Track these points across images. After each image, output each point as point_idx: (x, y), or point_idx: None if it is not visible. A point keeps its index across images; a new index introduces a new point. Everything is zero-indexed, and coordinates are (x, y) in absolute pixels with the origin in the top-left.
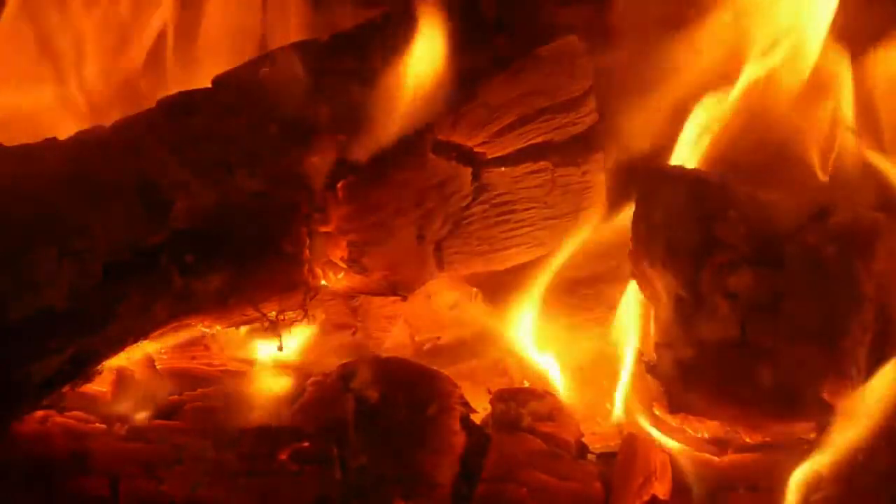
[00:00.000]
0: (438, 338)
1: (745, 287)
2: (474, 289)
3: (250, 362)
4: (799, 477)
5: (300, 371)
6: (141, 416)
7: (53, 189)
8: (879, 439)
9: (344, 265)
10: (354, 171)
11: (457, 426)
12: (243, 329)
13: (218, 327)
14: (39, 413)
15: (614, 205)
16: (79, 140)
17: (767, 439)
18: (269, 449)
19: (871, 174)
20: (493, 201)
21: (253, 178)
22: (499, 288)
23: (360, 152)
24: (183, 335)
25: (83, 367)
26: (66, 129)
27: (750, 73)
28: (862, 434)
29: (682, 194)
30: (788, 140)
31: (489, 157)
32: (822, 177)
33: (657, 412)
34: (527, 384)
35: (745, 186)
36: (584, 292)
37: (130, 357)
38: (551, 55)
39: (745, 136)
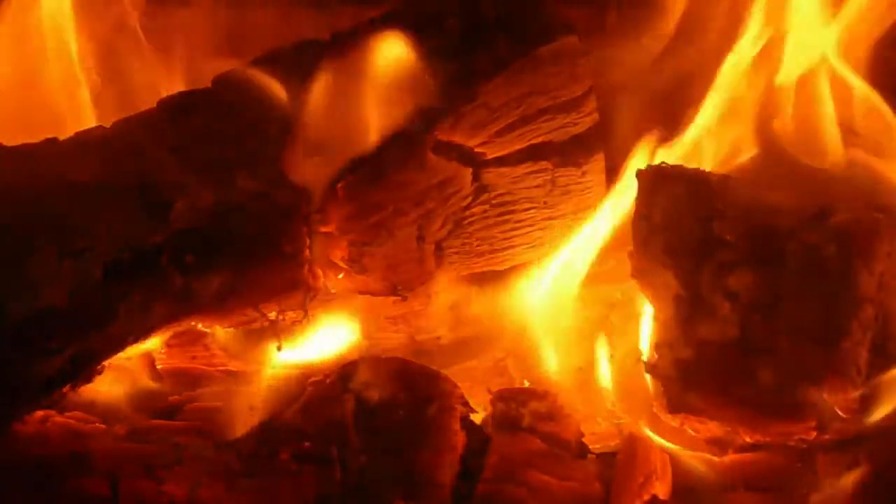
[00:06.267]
0: (438, 338)
1: (745, 287)
2: (474, 289)
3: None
4: (799, 477)
5: (300, 371)
6: (141, 417)
7: (53, 189)
8: (881, 440)
9: (344, 265)
10: (354, 172)
11: (457, 426)
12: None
13: (218, 327)
14: (39, 413)
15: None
16: (79, 140)
17: (767, 439)
18: (269, 449)
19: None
20: (493, 201)
21: (253, 178)
22: (499, 288)
23: (360, 152)
24: (182, 334)
25: (83, 367)
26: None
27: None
28: (863, 434)
29: (682, 194)
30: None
31: (489, 157)
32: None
33: (657, 412)
34: (527, 384)
35: (746, 186)
36: (584, 292)
37: (130, 357)
38: (551, 55)
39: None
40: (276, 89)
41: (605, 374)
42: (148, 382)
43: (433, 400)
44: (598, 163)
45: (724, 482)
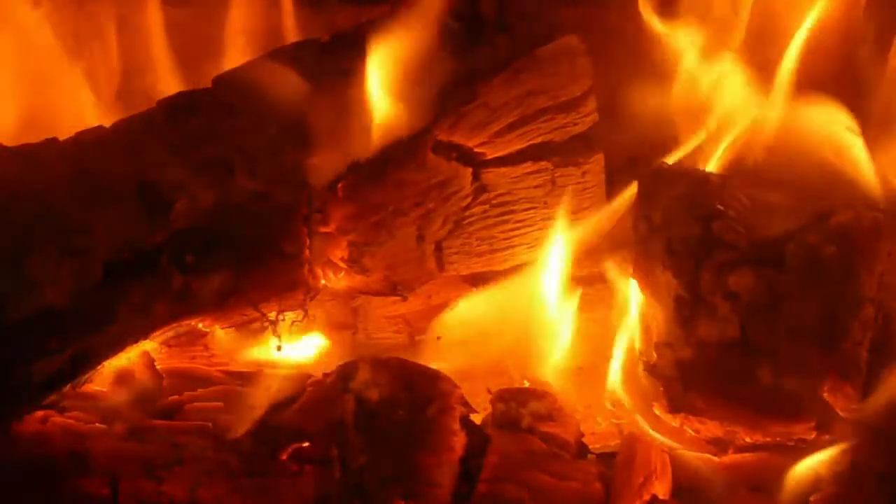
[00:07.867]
0: (438, 338)
1: (745, 287)
2: (474, 289)
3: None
4: (798, 477)
5: (300, 371)
6: (141, 416)
7: (54, 189)
8: (879, 440)
9: (344, 265)
10: (354, 172)
11: (457, 426)
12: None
13: (218, 327)
14: (39, 413)
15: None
16: (79, 140)
17: (767, 439)
18: (269, 449)
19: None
20: (493, 201)
21: (253, 178)
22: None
23: (360, 152)
24: (182, 334)
25: (83, 367)
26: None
27: None
28: (862, 434)
29: (682, 194)
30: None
31: (489, 157)
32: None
33: (657, 412)
34: (527, 384)
35: (746, 186)
36: (584, 292)
37: (130, 357)
38: (551, 55)
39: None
40: (276, 89)
41: (605, 374)
42: (148, 382)
43: (433, 400)
44: (598, 163)
45: (724, 482)
